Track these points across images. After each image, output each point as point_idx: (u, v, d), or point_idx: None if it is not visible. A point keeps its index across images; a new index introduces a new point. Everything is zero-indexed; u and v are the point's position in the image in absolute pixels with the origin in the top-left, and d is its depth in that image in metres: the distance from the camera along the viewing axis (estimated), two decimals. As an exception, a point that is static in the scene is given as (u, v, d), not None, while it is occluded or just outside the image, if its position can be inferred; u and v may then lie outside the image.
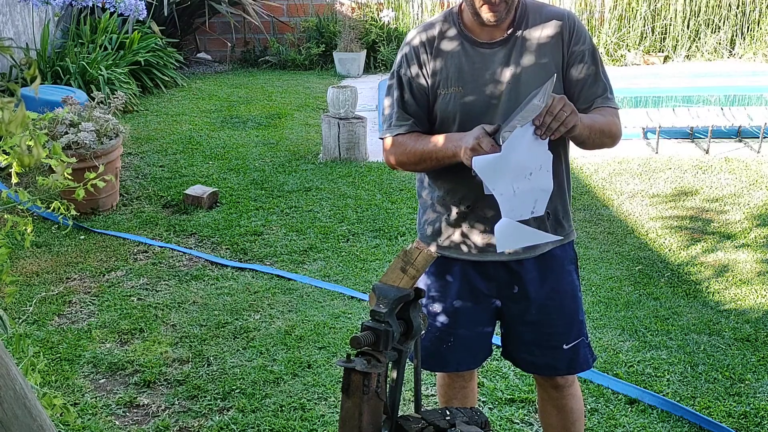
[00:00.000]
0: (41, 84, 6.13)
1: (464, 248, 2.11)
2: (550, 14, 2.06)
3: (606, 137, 2.02)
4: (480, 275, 2.13)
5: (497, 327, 2.26)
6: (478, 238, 2.09)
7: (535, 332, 2.17)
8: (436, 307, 2.18)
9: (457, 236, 2.12)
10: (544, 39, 2.03)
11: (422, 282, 2.19)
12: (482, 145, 1.85)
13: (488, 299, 2.16)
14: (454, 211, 2.10)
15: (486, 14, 1.95)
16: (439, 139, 2.02)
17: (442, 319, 2.17)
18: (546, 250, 2.11)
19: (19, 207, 1.97)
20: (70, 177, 1.90)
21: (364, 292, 3.76)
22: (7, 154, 1.71)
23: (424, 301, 2.18)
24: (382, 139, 2.14)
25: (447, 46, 2.04)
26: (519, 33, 2.02)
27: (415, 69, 2.07)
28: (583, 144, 2.01)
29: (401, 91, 2.09)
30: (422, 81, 2.06)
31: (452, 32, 2.05)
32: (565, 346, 2.17)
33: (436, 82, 2.04)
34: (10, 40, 6.54)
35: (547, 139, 1.85)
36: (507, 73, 2.01)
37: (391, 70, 2.13)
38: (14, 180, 1.80)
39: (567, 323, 2.17)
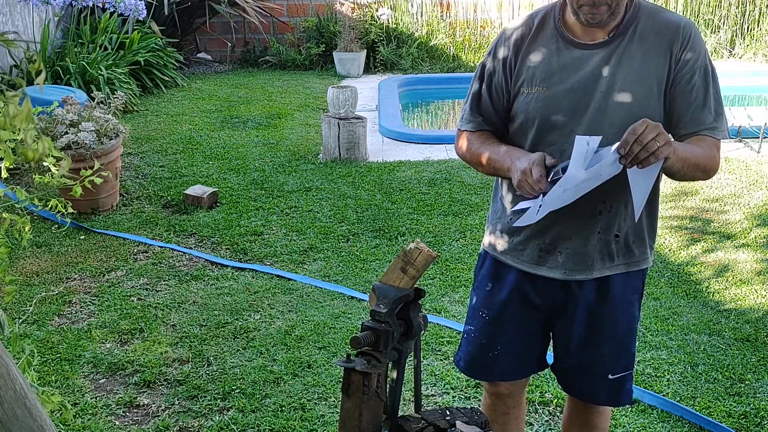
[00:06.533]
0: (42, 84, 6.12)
1: (520, 256, 2.02)
2: (664, 21, 1.86)
3: (700, 171, 1.83)
4: (533, 287, 2.03)
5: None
6: (534, 248, 1.99)
7: (580, 358, 2.07)
8: (485, 312, 2.10)
9: (514, 242, 2.02)
10: (651, 49, 1.84)
11: (479, 286, 2.14)
12: (532, 172, 1.76)
13: (540, 312, 2.06)
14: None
15: (585, 15, 1.80)
16: (501, 150, 1.93)
17: (489, 324, 2.10)
18: (606, 274, 1.97)
19: (16, 206, 1.97)
20: (68, 175, 1.90)
21: (364, 292, 3.76)
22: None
23: (476, 303, 2.14)
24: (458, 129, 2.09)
25: (540, 42, 1.91)
26: (623, 37, 1.84)
27: (498, 64, 1.96)
28: (672, 175, 1.83)
29: (480, 84, 2.01)
30: (502, 78, 1.95)
31: (549, 28, 1.91)
32: (610, 377, 2.06)
33: (521, 80, 1.92)
34: (15, 34, 6.54)
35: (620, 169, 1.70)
36: (600, 80, 1.84)
37: (486, 55, 2.03)
38: (4, 174, 1.79)
39: (616, 354, 2.05)
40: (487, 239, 2.12)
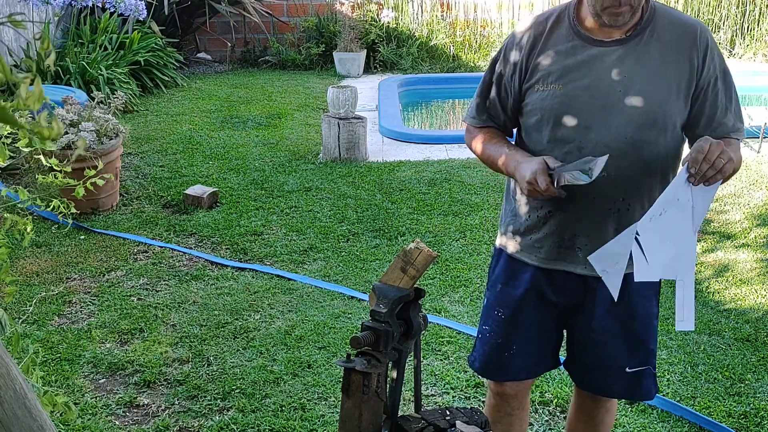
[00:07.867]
0: (41, 84, 6.11)
1: (537, 253, 2.02)
2: (680, 23, 1.89)
3: (732, 177, 1.87)
4: (550, 284, 2.03)
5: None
6: (553, 245, 1.99)
7: (596, 354, 2.07)
8: (500, 311, 2.09)
9: (532, 239, 2.02)
10: (669, 49, 1.85)
11: (493, 285, 2.13)
12: (538, 182, 1.79)
13: (555, 309, 2.06)
14: (534, 213, 2.00)
15: (608, 17, 1.82)
16: (504, 154, 1.95)
17: (505, 323, 2.09)
18: (625, 271, 1.94)
19: (18, 206, 1.97)
20: (70, 175, 1.90)
21: (364, 292, 3.76)
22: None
23: (491, 302, 2.13)
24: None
25: (555, 41, 1.92)
26: (641, 37, 1.86)
27: (509, 67, 1.97)
28: None
29: (489, 82, 2.03)
30: (511, 79, 1.97)
31: (564, 27, 1.92)
32: (627, 370, 2.06)
33: (534, 78, 1.92)
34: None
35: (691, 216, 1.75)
36: (617, 78, 1.85)
37: (497, 52, 2.05)
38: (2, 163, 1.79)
39: (632, 348, 2.05)
40: (501, 239, 2.12)
